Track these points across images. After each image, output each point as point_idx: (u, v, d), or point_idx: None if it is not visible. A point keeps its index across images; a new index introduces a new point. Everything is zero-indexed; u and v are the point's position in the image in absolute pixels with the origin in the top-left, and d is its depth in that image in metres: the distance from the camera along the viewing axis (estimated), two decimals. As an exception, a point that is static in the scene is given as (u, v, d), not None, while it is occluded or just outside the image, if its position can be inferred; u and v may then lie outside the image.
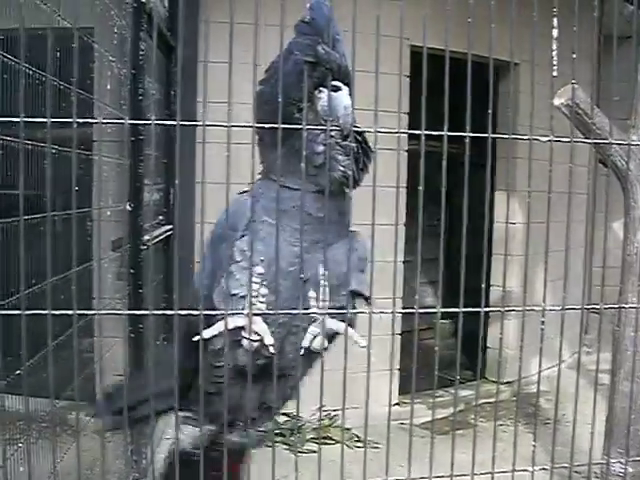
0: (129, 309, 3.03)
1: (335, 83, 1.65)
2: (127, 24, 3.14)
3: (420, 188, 1.54)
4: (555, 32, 1.72)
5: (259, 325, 1.61)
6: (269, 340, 1.61)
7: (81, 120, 1.32)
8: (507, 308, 1.65)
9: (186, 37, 3.85)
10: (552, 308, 1.68)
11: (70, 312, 1.37)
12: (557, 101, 3.21)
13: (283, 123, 1.46)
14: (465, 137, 1.53)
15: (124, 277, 3.16)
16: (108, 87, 2.24)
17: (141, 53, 3.09)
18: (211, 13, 4.07)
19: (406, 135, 4.21)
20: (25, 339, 1.35)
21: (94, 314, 1.47)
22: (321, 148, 1.65)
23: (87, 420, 2.54)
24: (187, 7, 3.68)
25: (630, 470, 3.71)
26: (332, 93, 1.66)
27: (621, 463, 3.77)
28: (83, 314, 1.40)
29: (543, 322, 1.68)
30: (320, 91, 1.69)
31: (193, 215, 3.93)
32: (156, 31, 3.08)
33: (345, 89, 1.67)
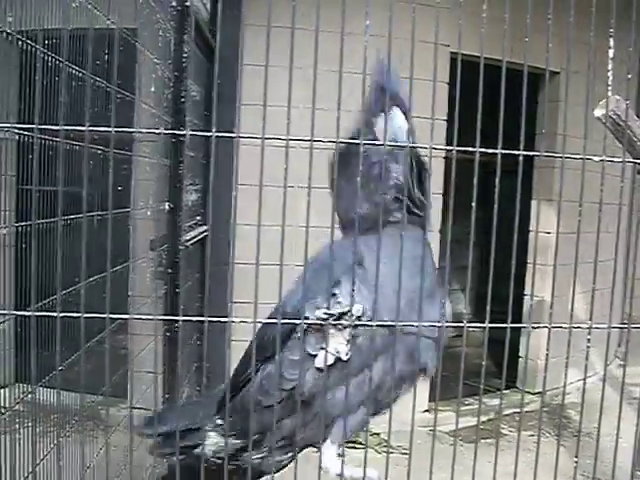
0: (165, 309, 3.06)
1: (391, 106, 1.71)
2: (171, 27, 3.19)
3: (451, 202, 1.55)
4: (611, 52, 1.72)
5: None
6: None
7: (145, 130, 1.36)
8: (553, 324, 1.62)
9: (228, 40, 3.89)
10: (598, 326, 1.67)
11: (103, 315, 1.40)
12: (598, 112, 3.16)
13: (349, 153, 1.50)
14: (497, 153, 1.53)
15: (162, 276, 3.20)
16: (152, 89, 2.28)
17: (184, 56, 3.13)
18: (255, 16, 4.11)
19: (443, 143, 4.21)
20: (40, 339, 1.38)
21: (127, 318, 1.49)
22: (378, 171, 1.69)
23: (119, 416, 2.58)
24: (229, 10, 3.72)
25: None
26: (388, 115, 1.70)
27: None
28: (116, 318, 1.42)
29: (589, 339, 1.66)
30: (379, 116, 1.74)
31: (230, 216, 3.97)
32: (195, 32, 3.11)
33: (398, 110, 1.72)
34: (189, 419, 1.95)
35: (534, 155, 1.57)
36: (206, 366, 4.78)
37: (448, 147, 1.57)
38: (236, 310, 1.72)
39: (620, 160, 1.64)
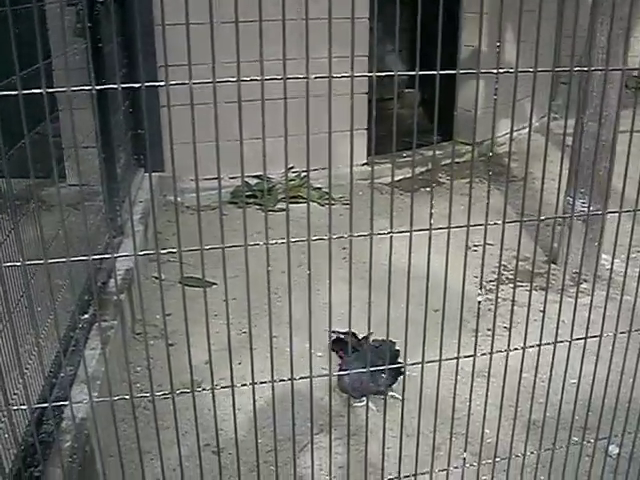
0: (88, 71, 2.91)
1: None
2: None
3: None
4: None
5: None
6: None
7: None
8: (482, 70, 1.56)
9: None
10: (525, 69, 1.61)
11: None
12: None
13: None
14: None
15: (82, 33, 3.01)
16: None
17: None
18: None
19: None
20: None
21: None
22: None
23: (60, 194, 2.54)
24: None
25: (592, 208, 3.89)
26: None
27: (583, 202, 3.93)
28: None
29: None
30: None
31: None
32: None
33: None
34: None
35: None
36: (141, 133, 4.73)
37: None
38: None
39: None
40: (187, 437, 2.52)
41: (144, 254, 1.56)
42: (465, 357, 1.67)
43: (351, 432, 2.83)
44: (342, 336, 2.96)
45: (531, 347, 1.71)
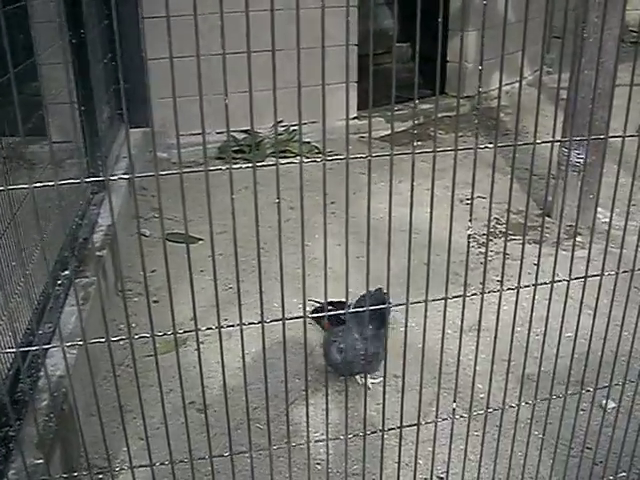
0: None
1: None
2: None
3: None
4: None
5: None
6: None
7: None
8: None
9: None
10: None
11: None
12: None
13: None
14: None
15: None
16: None
17: None
18: None
19: None
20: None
21: None
22: None
23: (41, 152, 2.49)
24: None
25: (588, 160, 3.81)
26: None
27: (578, 153, 3.85)
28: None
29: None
30: None
31: None
32: None
33: None
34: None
35: None
36: (125, 87, 4.62)
37: None
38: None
39: None
40: (171, 395, 2.50)
41: (150, 173, 1.43)
42: (454, 297, 1.58)
43: (339, 391, 2.82)
44: (320, 305, 2.72)
45: (526, 287, 1.63)
